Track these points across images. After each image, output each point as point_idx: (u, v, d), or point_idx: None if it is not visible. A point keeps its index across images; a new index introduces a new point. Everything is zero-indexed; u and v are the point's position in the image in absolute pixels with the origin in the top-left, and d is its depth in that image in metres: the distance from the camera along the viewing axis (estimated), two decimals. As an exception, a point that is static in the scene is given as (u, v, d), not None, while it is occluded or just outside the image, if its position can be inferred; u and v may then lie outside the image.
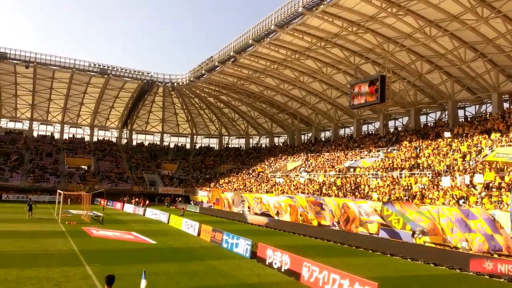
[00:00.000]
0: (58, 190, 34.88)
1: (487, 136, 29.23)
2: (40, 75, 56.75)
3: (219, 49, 46.80)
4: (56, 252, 17.51)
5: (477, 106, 39.67)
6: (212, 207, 47.19)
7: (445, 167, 27.12)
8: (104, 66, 56.93)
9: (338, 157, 43.15)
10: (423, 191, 25.41)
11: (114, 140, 73.41)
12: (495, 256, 17.22)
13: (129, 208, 45.57)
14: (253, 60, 44.27)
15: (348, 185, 32.68)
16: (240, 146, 74.02)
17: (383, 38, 34.14)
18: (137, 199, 51.81)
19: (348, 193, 30.98)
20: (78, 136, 71.43)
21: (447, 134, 33.55)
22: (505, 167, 23.93)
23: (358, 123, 49.62)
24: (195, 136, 76.05)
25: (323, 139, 56.47)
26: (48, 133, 69.83)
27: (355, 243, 23.25)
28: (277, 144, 67.08)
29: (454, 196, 22.92)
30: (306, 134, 61.44)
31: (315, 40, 37.03)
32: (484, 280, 15.54)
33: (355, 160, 39.31)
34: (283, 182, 43.86)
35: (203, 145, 76.77)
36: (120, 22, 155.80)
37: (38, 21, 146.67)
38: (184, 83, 58.20)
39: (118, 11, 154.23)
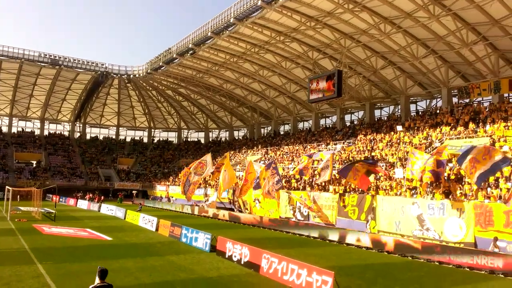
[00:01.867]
0: (6, 186, 33.35)
1: (437, 129, 30.64)
2: (-15, 65, 53.60)
3: (178, 40, 45.98)
4: (6, 251, 16.66)
5: (428, 101, 41.52)
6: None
7: (398, 159, 28.18)
8: (56, 57, 54.50)
9: (297, 150, 43.75)
10: (377, 182, 26.28)
11: (66, 134, 70.59)
12: (444, 243, 18.15)
13: (83, 204, 44.07)
14: (213, 53, 43.86)
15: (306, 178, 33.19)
16: (199, 140, 73.39)
17: (340, 34, 34.85)
18: (91, 195, 50.17)
19: (307, 186, 31.53)
20: (28, 130, 68.11)
21: (399, 128, 34.87)
22: (453, 158, 25.14)
23: (316, 117, 50.51)
24: (152, 130, 74.55)
25: (282, 133, 57.05)
26: (-5, 127, 66.22)
27: (313, 234, 23.72)
28: (236, 138, 67.03)
29: (407, 187, 23.87)
30: (266, 128, 61.82)
31: (274, 34, 37.21)
32: (434, 266, 16.34)
33: (313, 153, 39.92)
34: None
35: (161, 139, 75.41)
36: (74, 11, 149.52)
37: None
38: (141, 75, 56.77)
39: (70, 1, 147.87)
